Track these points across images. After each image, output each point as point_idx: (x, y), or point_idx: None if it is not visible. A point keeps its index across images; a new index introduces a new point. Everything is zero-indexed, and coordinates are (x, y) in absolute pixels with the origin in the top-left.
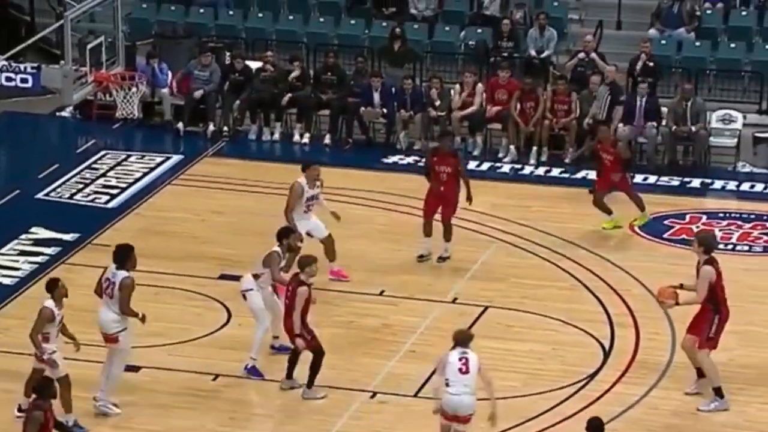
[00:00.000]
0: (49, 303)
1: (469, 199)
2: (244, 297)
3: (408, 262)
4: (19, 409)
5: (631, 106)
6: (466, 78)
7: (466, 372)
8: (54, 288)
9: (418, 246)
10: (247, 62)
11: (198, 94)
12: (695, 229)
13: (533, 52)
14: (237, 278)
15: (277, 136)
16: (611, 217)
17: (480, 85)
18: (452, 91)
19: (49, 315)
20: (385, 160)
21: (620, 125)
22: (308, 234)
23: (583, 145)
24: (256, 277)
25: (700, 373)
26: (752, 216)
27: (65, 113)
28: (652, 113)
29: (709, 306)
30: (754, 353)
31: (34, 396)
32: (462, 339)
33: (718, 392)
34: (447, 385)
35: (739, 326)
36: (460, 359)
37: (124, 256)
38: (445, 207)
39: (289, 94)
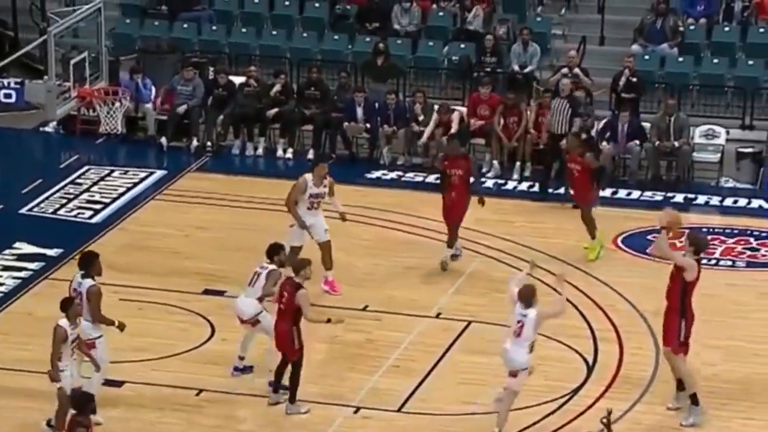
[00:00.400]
0: (63, 322)
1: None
2: (256, 322)
3: (392, 276)
4: (48, 424)
5: (614, 124)
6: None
7: (519, 335)
8: (68, 306)
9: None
10: (231, 77)
11: (181, 109)
12: (678, 245)
13: (516, 67)
14: (221, 293)
15: (260, 150)
16: (594, 242)
17: (456, 112)
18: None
19: (63, 335)
20: (369, 175)
21: (604, 143)
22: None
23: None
24: (260, 300)
25: (680, 386)
26: (735, 231)
27: (49, 128)
28: (636, 132)
29: (676, 311)
30: (737, 368)
31: (73, 412)
32: (525, 296)
33: (694, 399)
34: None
35: (722, 341)
36: (518, 321)
37: (88, 262)
38: (454, 209)
39: (275, 109)
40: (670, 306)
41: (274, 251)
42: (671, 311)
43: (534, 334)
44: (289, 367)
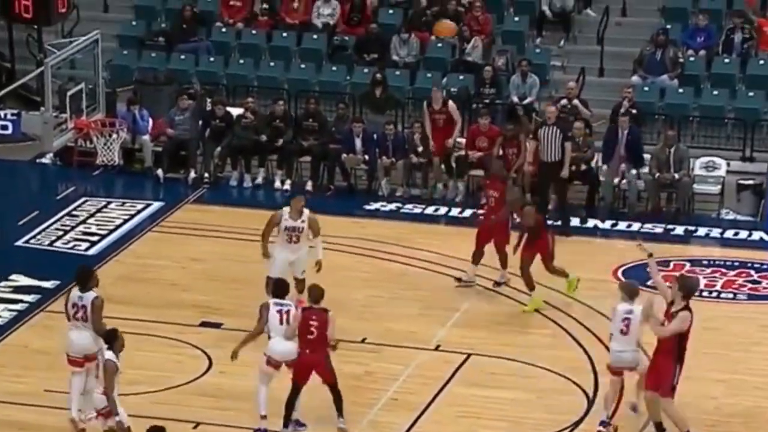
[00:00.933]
0: (110, 355)
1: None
2: None
3: (390, 309)
4: None
5: (610, 145)
6: (435, 94)
7: (626, 333)
8: (114, 339)
9: (466, 271)
10: (228, 109)
11: (171, 132)
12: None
13: (515, 99)
14: (218, 325)
15: (259, 180)
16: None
17: (452, 102)
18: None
19: (113, 368)
20: (367, 207)
21: (603, 166)
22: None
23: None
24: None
25: (660, 429)
26: (736, 263)
27: (45, 160)
28: (635, 148)
29: (671, 355)
30: (739, 401)
31: None
32: (628, 291)
33: None
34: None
35: (724, 375)
36: (623, 320)
37: (86, 277)
38: (499, 235)
39: (280, 140)
40: (664, 349)
41: (287, 290)
42: (666, 355)
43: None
44: (327, 392)
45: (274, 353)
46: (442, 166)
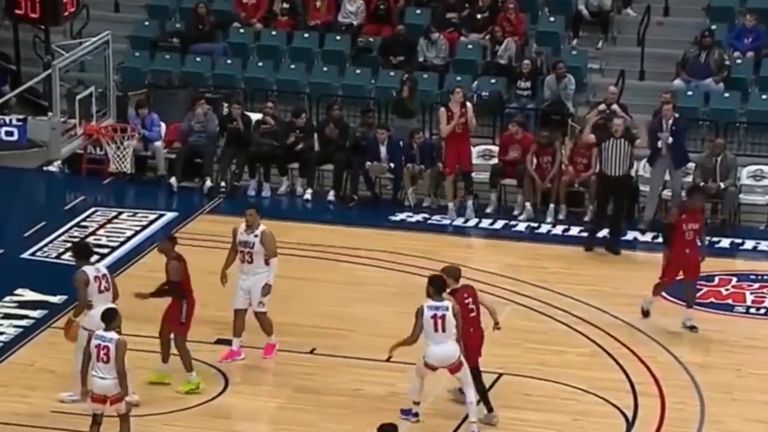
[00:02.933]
0: (113, 334)
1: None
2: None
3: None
4: None
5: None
6: (456, 95)
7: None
8: (113, 319)
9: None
10: (246, 113)
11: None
12: (724, 292)
13: (548, 96)
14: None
15: (282, 189)
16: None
17: (469, 104)
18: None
19: (124, 346)
20: (393, 218)
21: (645, 172)
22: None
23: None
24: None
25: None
26: None
27: (53, 168)
28: (679, 144)
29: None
30: None
31: None
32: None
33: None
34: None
35: None
36: (432, 316)
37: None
38: (690, 268)
39: (300, 145)
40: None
41: (443, 286)
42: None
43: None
44: (468, 376)
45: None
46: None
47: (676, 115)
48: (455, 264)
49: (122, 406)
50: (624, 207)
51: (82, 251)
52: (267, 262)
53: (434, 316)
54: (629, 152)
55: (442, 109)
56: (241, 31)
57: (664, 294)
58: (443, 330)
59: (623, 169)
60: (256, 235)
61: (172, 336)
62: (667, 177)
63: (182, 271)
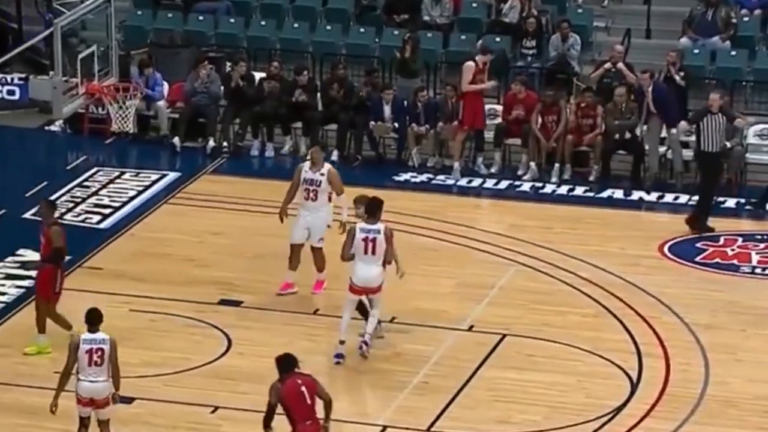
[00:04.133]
0: (102, 334)
1: None
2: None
3: (421, 287)
4: None
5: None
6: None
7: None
8: (100, 321)
9: None
10: (252, 72)
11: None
12: (730, 252)
13: (554, 55)
14: (237, 303)
15: (285, 150)
16: (41, 341)
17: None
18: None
19: (115, 343)
20: (397, 178)
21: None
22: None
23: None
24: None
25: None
26: None
27: (55, 127)
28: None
29: None
30: None
31: None
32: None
33: None
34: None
35: None
36: (364, 239)
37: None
38: None
39: (303, 96)
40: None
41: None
42: None
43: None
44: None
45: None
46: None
47: (683, 73)
48: (458, 223)
49: (107, 411)
50: (717, 183)
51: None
52: (329, 199)
53: (365, 239)
54: (726, 127)
55: (471, 63)
56: None
57: (668, 253)
58: (373, 253)
59: (720, 144)
60: (322, 174)
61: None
62: (664, 134)
63: (63, 237)
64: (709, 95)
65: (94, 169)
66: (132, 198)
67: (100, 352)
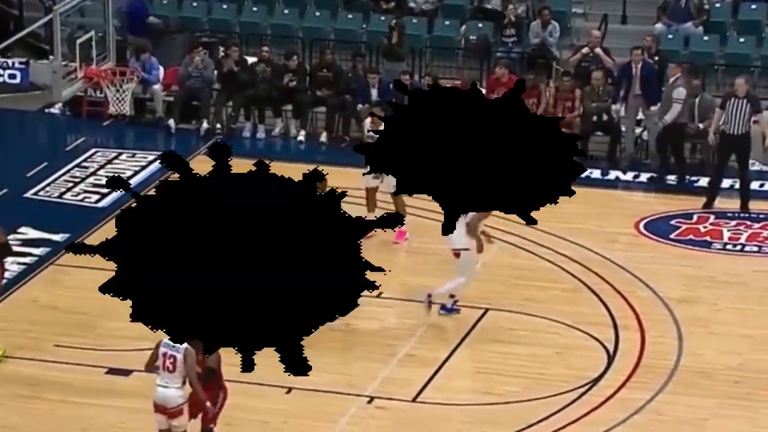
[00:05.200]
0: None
1: None
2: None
3: (405, 262)
4: None
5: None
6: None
7: None
8: None
9: None
10: (244, 57)
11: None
12: (702, 230)
13: (536, 42)
14: None
15: (277, 131)
16: None
17: None
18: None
19: (192, 352)
20: None
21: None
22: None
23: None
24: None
25: None
26: (762, 216)
27: (54, 110)
28: (649, 85)
29: None
30: (765, 357)
31: None
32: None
33: None
34: None
35: (749, 330)
36: None
37: None
38: None
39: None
40: None
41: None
42: None
43: None
44: None
45: None
46: None
47: (657, 58)
48: None
49: (182, 421)
50: (747, 163)
51: None
52: None
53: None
54: (750, 111)
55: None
56: None
57: (644, 231)
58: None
59: (744, 127)
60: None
61: None
62: (641, 116)
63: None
64: (735, 80)
65: (92, 150)
66: (129, 178)
67: (172, 359)
